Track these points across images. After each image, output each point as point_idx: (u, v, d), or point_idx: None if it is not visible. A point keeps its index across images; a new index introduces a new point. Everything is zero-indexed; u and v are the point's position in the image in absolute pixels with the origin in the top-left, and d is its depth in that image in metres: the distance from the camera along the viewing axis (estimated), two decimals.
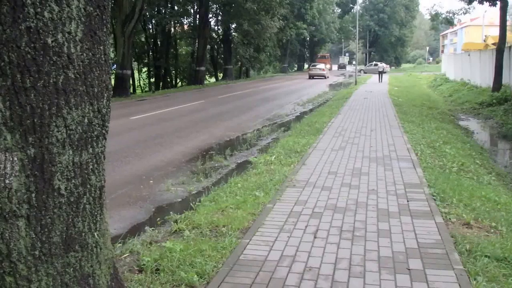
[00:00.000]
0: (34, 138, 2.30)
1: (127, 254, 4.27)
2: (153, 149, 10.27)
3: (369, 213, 5.25)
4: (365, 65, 74.98)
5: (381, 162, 7.90)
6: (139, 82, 47.22)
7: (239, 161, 9.28)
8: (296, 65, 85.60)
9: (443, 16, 31.48)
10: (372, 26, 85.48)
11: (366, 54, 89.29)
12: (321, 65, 53.35)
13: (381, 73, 41.00)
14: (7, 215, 2.25)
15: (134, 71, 42.63)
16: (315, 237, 4.55)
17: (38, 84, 2.31)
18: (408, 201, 5.68)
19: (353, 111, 16.59)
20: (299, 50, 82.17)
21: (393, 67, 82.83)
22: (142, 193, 6.87)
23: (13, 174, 2.26)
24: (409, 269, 3.86)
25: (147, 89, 45.24)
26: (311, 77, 49.13)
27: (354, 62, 55.42)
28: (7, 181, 2.24)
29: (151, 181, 7.52)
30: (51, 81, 2.35)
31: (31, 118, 2.29)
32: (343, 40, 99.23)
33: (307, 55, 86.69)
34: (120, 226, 5.45)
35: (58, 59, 2.37)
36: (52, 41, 2.34)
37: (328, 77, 49.70)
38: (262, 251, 4.24)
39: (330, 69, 70.42)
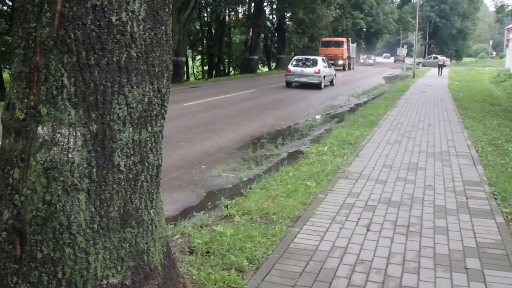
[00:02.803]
0: (96, 115, 2.37)
1: (178, 236, 4.36)
2: (205, 135, 10.41)
3: (425, 208, 5.12)
4: (424, 58, 72.98)
5: (439, 157, 7.68)
6: (193, 70, 47.92)
7: (290, 151, 9.26)
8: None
9: (509, 8, 30.12)
10: (433, 17, 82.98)
11: (425, 47, 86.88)
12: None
13: (441, 66, 39.82)
14: (68, 188, 2.34)
15: (188, 59, 43.27)
16: (368, 230, 4.49)
17: (102, 62, 2.38)
18: (467, 198, 5.51)
19: (410, 104, 16.20)
20: (355, 41, 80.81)
21: (453, 61, 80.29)
22: (194, 177, 6.98)
23: (75, 149, 2.34)
24: (466, 268, 3.74)
25: (200, 76, 45.85)
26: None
27: (413, 55, 50.41)
28: (70, 155, 2.33)
29: (203, 166, 7.63)
30: (114, 59, 2.41)
31: (94, 95, 2.37)
32: (401, 31, 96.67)
33: (363, 46, 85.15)
34: (172, 208, 5.56)
35: (121, 38, 2.42)
36: (116, 20, 2.40)
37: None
38: (313, 241, 4.22)
39: (348, 66, 48.01)
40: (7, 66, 32.19)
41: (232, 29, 47.55)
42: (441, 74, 38.28)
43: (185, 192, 6.31)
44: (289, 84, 24.49)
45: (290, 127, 12.20)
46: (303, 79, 23.88)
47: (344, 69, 45.30)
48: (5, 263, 2.47)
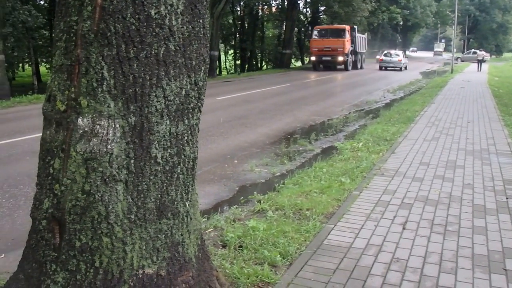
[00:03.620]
0: (135, 107, 2.43)
1: (211, 229, 4.41)
2: (237, 129, 10.47)
3: (463, 208, 5.03)
4: (463, 52, 71.36)
5: (478, 155, 7.52)
6: (225, 64, 48.11)
7: (324, 146, 9.23)
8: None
9: None
10: (472, 11, 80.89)
11: (464, 41, 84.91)
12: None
13: (480, 61, 38.84)
14: (107, 179, 2.40)
15: (221, 53, 43.47)
16: (403, 228, 4.44)
17: (141, 55, 2.43)
18: (507, 198, 5.38)
19: (448, 100, 15.89)
20: (391, 35, 79.55)
21: (493, 56, 78.20)
22: (226, 171, 7.04)
23: (114, 140, 2.40)
24: (505, 270, 3.67)
25: (232, 71, 46.05)
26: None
27: (452, 49, 45.09)
28: (108, 147, 2.39)
29: (236, 161, 7.69)
30: (153, 52, 2.46)
31: (133, 87, 2.42)
32: (439, 25, 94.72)
33: (400, 40, 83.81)
34: (205, 201, 5.63)
35: (160, 31, 2.47)
36: (155, 13, 2.44)
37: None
38: (347, 238, 4.21)
39: (353, 64, 37.45)
40: (44, 60, 33.09)
41: (265, 23, 47.51)
42: (480, 70, 37.37)
43: (218, 186, 6.38)
44: (381, 68, 38.23)
45: (324, 123, 12.14)
46: (391, 65, 38.00)
47: (346, 69, 35.12)
48: (44, 251, 2.56)
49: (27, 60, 29.58)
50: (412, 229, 4.43)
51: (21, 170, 6.88)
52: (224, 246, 4.04)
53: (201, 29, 2.72)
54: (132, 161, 2.44)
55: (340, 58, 34.19)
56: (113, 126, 2.40)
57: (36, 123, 10.48)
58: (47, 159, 2.56)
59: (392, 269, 3.63)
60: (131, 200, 2.45)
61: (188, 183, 2.74)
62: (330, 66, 35.19)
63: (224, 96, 16.45)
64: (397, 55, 38.72)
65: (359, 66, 39.00)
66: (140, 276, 2.50)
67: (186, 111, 2.65)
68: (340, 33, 34.96)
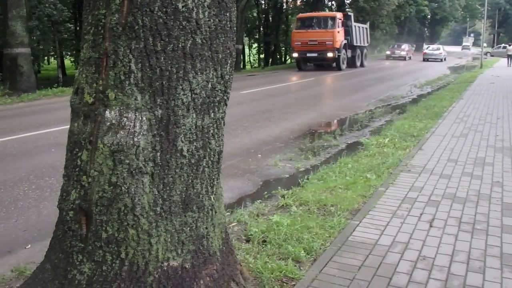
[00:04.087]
0: (161, 100, 2.46)
1: (235, 223, 4.44)
2: (261, 123, 10.48)
3: (492, 206, 4.96)
4: (492, 47, 70.00)
5: (508, 153, 7.39)
6: (249, 58, 48.11)
7: (349, 142, 9.18)
8: (414, 45, 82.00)
9: None
10: (502, 5, 79.22)
11: (493, 36, 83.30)
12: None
13: (510, 56, 38.03)
14: (133, 171, 2.44)
15: (245, 47, 43.48)
16: (430, 226, 4.40)
17: (168, 48, 2.45)
18: None
19: (477, 96, 15.63)
20: (418, 28, 78.43)
21: None
22: (250, 166, 7.07)
23: (141, 133, 2.43)
24: None
25: (256, 65, 46.02)
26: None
27: (483, 44, 44.00)
28: (135, 139, 2.43)
29: (259, 155, 7.70)
30: (180, 45, 2.48)
31: (160, 80, 2.45)
32: (468, 19, 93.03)
33: (427, 34, 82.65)
34: (228, 196, 5.66)
35: (187, 24, 2.49)
36: (182, 6, 2.46)
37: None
38: (373, 235, 4.19)
39: (350, 61, 31.29)
40: (68, 53, 33.56)
41: (290, 16, 47.30)
42: (510, 65, 36.63)
43: (241, 180, 6.40)
44: (425, 60, 44.64)
45: (349, 118, 12.07)
46: (433, 57, 45.08)
47: (338, 67, 28.77)
48: (71, 242, 2.62)
49: (52, 53, 30.05)
50: (439, 227, 4.38)
51: (46, 162, 7.01)
52: (247, 241, 4.06)
53: (228, 22, 2.73)
54: (158, 153, 2.47)
55: (330, 55, 27.67)
56: (140, 118, 2.44)
57: (61, 116, 10.70)
58: (74, 151, 2.61)
59: (418, 267, 3.60)
60: (157, 193, 2.49)
61: (213, 177, 2.76)
62: (320, 64, 29.42)
63: (248, 90, 16.48)
64: (438, 49, 47.47)
65: (358, 64, 31.96)
66: (165, 268, 2.53)
67: (212, 104, 2.67)
68: (328, 23, 28.33)
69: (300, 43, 28.17)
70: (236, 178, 6.43)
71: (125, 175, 2.43)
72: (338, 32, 28.22)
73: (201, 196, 2.68)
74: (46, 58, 39.01)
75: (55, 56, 28.45)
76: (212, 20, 2.60)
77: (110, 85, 2.45)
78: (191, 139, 2.57)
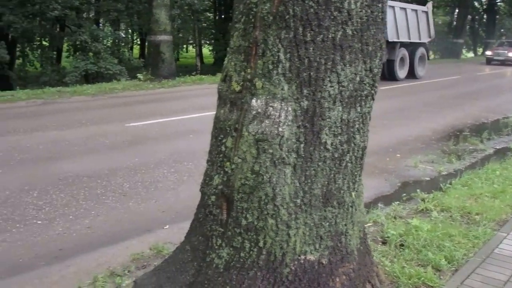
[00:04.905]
0: (308, 91, 2.49)
1: (370, 224, 4.38)
2: (400, 122, 10.18)
3: None
4: None
5: None
6: None
7: (497, 147, 8.57)
8: None
9: None
10: None
11: None
12: None
13: None
14: (276, 161, 2.50)
15: None
16: None
17: (318, 38, 2.47)
18: None
19: None
20: None
21: None
22: (388, 165, 6.90)
23: (286, 123, 2.49)
24: None
25: None
26: None
27: None
28: (280, 129, 2.49)
29: (398, 155, 7.49)
30: (330, 36, 2.49)
31: (307, 71, 2.48)
32: None
33: None
34: (364, 195, 5.57)
35: (338, 15, 2.48)
36: None
37: None
38: None
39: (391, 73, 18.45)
40: (207, 42, 35.30)
41: (435, 9, 45.12)
42: None
43: (378, 179, 6.28)
44: None
45: (498, 121, 11.25)
46: None
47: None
48: (211, 225, 2.77)
49: (191, 41, 31.80)
50: None
51: (185, 147, 7.47)
52: (384, 243, 4.00)
53: (379, 14, 2.68)
54: (302, 145, 2.51)
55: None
56: (286, 109, 2.49)
57: (200, 103, 11.31)
58: (219, 137, 2.74)
59: None
60: (298, 184, 2.53)
61: (355, 173, 2.75)
62: None
63: (386, 86, 16.05)
64: None
65: (400, 74, 18.83)
66: (302, 261, 2.58)
67: (359, 98, 2.65)
68: None
69: None
70: (373, 177, 6.31)
71: (268, 164, 2.51)
72: None
73: (342, 191, 2.68)
74: (185, 46, 41.33)
75: (194, 45, 30.02)
76: (364, 10, 2.57)
77: (258, 74, 2.53)
78: (336, 133, 2.57)
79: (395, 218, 4.55)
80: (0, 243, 4.23)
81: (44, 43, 27.32)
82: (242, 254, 2.60)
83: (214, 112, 2.85)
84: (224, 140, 2.70)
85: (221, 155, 2.72)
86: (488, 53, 33.13)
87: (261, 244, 2.56)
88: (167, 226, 4.61)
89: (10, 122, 9.44)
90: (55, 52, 26.23)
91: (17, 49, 25.55)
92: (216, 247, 2.71)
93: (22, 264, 3.90)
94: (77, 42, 21.36)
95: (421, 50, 20.16)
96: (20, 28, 20.19)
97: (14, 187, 5.59)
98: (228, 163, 2.66)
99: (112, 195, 5.39)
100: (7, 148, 7.35)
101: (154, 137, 8.22)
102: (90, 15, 21.90)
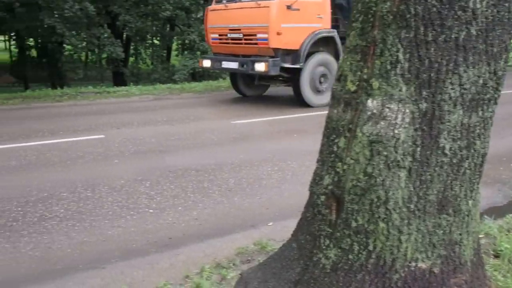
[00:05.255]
0: (427, 93, 2.42)
1: (482, 236, 4.16)
2: None
3: None
4: None
5: None
6: None
7: None
8: None
9: None
10: None
11: None
12: None
13: None
14: (390, 164, 2.46)
15: None
16: None
17: (439, 39, 2.39)
18: None
19: None
20: None
21: None
22: (502, 175, 6.51)
23: (402, 125, 2.44)
24: None
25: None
26: None
27: None
28: (396, 131, 2.44)
29: None
30: (453, 36, 2.40)
31: (427, 72, 2.41)
32: None
33: None
34: None
35: (462, 14, 2.39)
36: None
37: None
38: None
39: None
40: None
41: None
42: None
43: (491, 189, 5.94)
44: None
45: None
46: None
47: (285, 81, 11.90)
48: (319, 225, 2.77)
49: None
50: None
51: (288, 146, 7.54)
52: (496, 256, 3.79)
53: (506, 13, 2.54)
54: (419, 148, 2.45)
55: (259, 68, 10.47)
56: (403, 111, 2.44)
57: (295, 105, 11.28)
58: (331, 137, 2.74)
59: None
60: (412, 189, 2.47)
61: (474, 180, 2.63)
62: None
63: (503, 90, 15.11)
64: None
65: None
66: (412, 268, 2.51)
67: (481, 101, 2.53)
68: None
69: (217, 35, 12.15)
70: (485, 186, 5.96)
71: (382, 166, 2.47)
72: (274, 13, 10.29)
73: (458, 199, 2.57)
74: None
75: None
76: (490, 10, 2.45)
77: (375, 74, 2.50)
78: (455, 137, 2.48)
79: (508, 231, 4.29)
80: (116, 228, 4.54)
81: (155, 41, 28.78)
82: (350, 256, 2.59)
83: (319, 112, 2.84)
84: (336, 140, 2.70)
85: (333, 155, 2.71)
86: None
87: (370, 247, 2.53)
88: (271, 223, 4.68)
89: (125, 116, 10.07)
90: (165, 51, 27.52)
91: (131, 47, 27.14)
92: (324, 247, 2.71)
93: (135, 249, 4.15)
94: (186, 41, 22.24)
95: None
96: (134, 27, 21.42)
97: (128, 176, 5.96)
98: (339, 163, 2.65)
99: (218, 190, 5.57)
100: (122, 140, 7.85)
101: (258, 135, 8.38)
102: (199, 16, 22.68)
